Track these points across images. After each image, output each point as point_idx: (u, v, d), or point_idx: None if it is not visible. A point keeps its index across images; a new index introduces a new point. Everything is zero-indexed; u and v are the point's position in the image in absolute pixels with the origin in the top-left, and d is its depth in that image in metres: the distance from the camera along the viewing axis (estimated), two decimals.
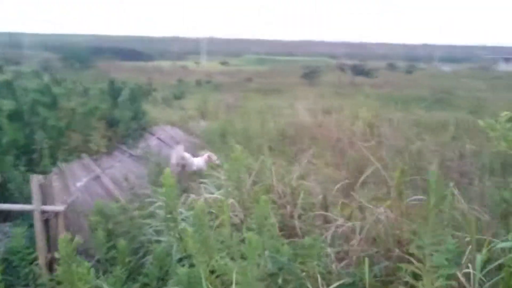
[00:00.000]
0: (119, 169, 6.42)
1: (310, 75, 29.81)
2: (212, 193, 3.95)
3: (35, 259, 3.51)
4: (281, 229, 3.36)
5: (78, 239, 2.40)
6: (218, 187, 4.15)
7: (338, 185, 3.79)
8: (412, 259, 2.25)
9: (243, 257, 2.49)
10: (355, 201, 3.53)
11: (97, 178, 5.34)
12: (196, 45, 67.19)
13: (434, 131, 9.65)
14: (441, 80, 33.48)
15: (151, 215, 3.82)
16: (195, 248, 2.26)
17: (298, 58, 70.42)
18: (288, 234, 3.38)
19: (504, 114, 2.53)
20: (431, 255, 1.97)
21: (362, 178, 3.79)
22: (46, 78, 12.29)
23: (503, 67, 53.63)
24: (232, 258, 2.48)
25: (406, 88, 25.41)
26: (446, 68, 56.54)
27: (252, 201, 3.38)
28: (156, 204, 3.80)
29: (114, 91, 7.31)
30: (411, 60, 69.74)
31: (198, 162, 6.84)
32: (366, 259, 2.38)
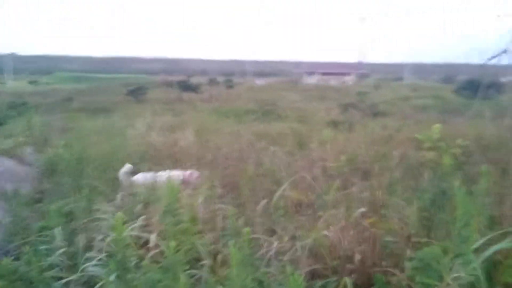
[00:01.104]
0: None
1: (136, 92, 28.99)
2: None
3: None
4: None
5: None
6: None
7: (258, 206, 3.73)
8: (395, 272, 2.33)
9: None
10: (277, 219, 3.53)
11: None
12: None
13: (277, 142, 10.08)
14: (260, 93, 35.81)
15: (51, 267, 3.25)
16: None
17: (115, 75, 68.09)
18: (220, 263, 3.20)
19: (435, 126, 2.79)
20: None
21: (277, 194, 3.80)
22: None
23: (308, 80, 60.18)
24: None
25: (232, 102, 26.49)
26: (260, 82, 60.68)
27: (182, 233, 3.11)
28: (60, 251, 3.25)
29: None
30: (225, 75, 73.15)
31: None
32: (347, 279, 2.39)
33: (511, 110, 5.46)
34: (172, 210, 2.94)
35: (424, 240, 2.79)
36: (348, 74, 66.58)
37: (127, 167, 6.56)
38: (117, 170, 6.65)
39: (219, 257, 2.99)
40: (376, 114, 18.94)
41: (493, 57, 4.78)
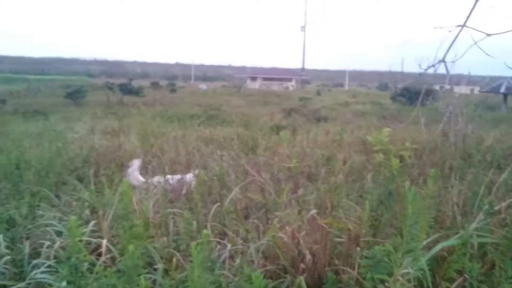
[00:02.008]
0: None
1: (75, 94, 28.03)
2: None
3: None
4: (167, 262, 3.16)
5: None
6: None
7: (212, 210, 3.74)
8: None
9: None
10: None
11: None
12: None
13: (224, 146, 10.08)
14: (204, 97, 35.73)
15: None
16: None
17: (53, 76, 65.58)
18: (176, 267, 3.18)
19: (386, 130, 2.93)
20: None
21: (229, 198, 3.84)
22: None
23: (250, 85, 60.77)
24: None
25: (176, 106, 26.24)
26: (203, 86, 60.51)
27: (134, 238, 3.06)
28: (5, 259, 3.11)
29: None
30: (168, 78, 72.38)
31: None
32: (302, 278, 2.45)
33: (444, 117, 5.81)
34: (125, 214, 2.90)
35: (373, 239, 2.93)
36: (289, 80, 67.81)
37: (136, 162, 6.17)
38: (60, 174, 6.43)
39: (174, 260, 2.97)
40: (318, 119, 19.45)
41: (430, 66, 5.08)
